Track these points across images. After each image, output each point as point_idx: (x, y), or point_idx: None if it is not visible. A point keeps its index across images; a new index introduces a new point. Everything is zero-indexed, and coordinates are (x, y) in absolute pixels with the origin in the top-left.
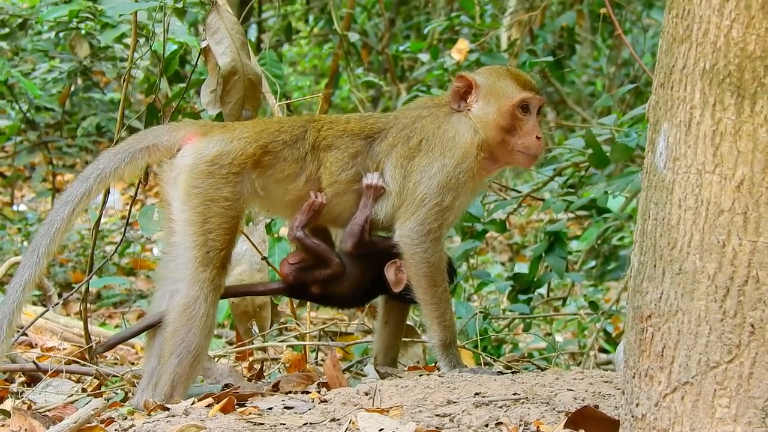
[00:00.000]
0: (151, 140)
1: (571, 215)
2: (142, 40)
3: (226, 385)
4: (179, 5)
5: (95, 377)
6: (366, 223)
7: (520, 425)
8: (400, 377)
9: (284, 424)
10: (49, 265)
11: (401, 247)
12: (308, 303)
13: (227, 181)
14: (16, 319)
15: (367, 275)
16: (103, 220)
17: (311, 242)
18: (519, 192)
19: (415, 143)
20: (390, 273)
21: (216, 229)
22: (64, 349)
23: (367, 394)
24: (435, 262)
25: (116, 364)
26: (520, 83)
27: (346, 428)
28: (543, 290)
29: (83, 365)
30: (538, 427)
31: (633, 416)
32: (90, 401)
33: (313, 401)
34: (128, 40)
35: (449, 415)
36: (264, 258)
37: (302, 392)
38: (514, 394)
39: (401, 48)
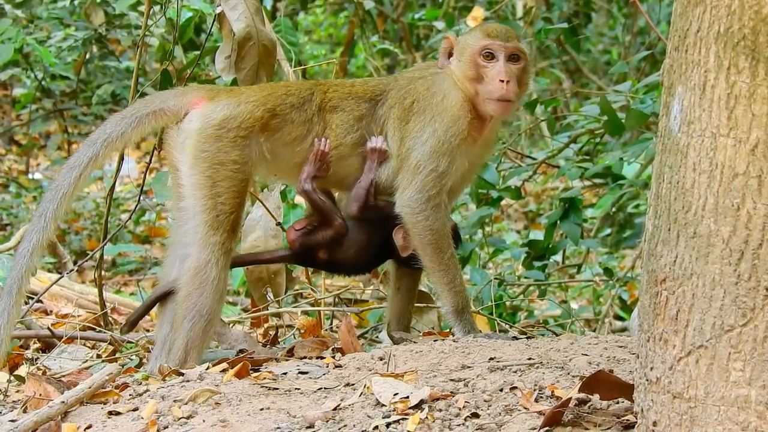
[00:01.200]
0: (158, 105)
1: (586, 182)
2: (157, 8)
3: (241, 351)
4: None
5: (110, 343)
6: (371, 186)
7: (534, 390)
8: (414, 342)
9: (299, 388)
10: (63, 232)
11: (403, 217)
12: None
13: (235, 144)
14: (26, 284)
15: (372, 240)
16: (118, 188)
17: (318, 197)
18: (534, 159)
19: (408, 104)
20: (398, 237)
21: (225, 192)
22: (78, 315)
23: (381, 359)
24: (438, 229)
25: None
26: (483, 33)
27: (361, 393)
28: (558, 257)
29: (98, 332)
30: (552, 391)
31: (647, 380)
32: (105, 367)
33: (327, 366)
34: (143, 8)
35: (464, 380)
36: (279, 224)
37: (317, 357)
38: (529, 359)
39: (416, 16)
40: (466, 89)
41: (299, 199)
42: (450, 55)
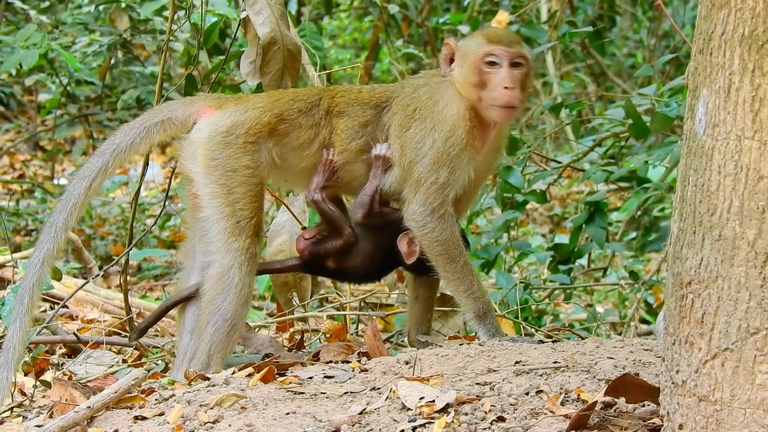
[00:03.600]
0: (166, 114)
1: (611, 186)
2: (181, 13)
3: (267, 355)
4: None
5: (135, 348)
6: (375, 193)
7: (560, 393)
8: (440, 346)
9: (324, 392)
10: (89, 237)
11: (412, 230)
12: None
13: (245, 150)
14: (37, 293)
15: (379, 248)
16: (143, 193)
17: (327, 207)
18: (559, 162)
19: (411, 111)
20: (402, 244)
21: (242, 198)
22: (104, 321)
23: (407, 363)
24: (446, 239)
25: (156, 335)
26: (486, 38)
27: (387, 397)
28: (583, 261)
29: (124, 337)
30: (578, 395)
31: (673, 383)
32: (130, 372)
33: (353, 370)
34: (168, 13)
35: (490, 384)
36: (304, 228)
37: (343, 362)
38: (555, 362)
39: (441, 20)
40: (469, 96)
41: None
42: (452, 61)
